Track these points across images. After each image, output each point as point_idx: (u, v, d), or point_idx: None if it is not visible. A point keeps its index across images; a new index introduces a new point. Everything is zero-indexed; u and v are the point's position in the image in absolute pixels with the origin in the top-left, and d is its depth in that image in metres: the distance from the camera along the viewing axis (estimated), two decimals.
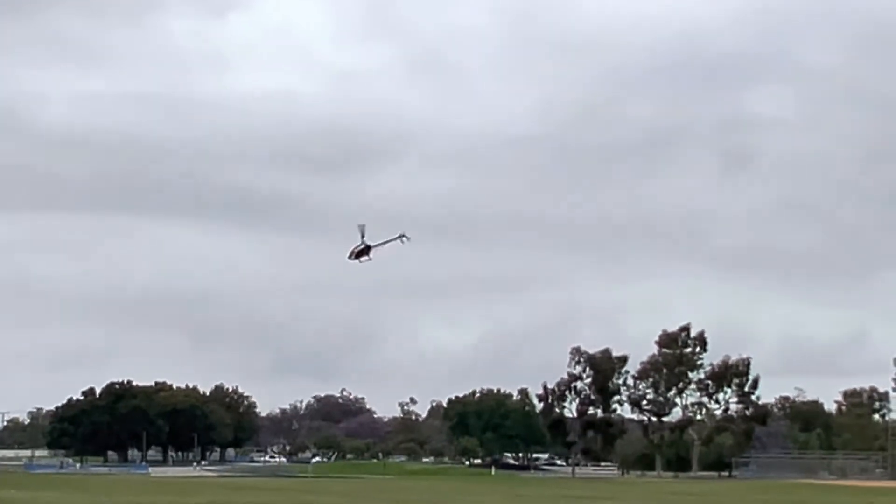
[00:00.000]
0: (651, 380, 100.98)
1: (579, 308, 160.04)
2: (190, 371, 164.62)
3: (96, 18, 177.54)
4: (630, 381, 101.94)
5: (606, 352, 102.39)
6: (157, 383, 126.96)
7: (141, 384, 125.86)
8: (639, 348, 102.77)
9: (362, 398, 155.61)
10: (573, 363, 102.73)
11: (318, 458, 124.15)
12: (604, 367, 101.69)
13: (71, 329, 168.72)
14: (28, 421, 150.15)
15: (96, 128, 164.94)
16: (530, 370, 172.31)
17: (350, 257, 52.17)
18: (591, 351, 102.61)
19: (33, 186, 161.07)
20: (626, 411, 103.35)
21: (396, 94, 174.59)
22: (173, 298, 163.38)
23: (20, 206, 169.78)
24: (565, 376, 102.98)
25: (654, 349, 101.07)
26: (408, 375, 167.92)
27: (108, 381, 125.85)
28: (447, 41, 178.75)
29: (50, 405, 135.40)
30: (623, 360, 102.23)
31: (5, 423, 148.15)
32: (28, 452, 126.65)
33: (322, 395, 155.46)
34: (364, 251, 52.69)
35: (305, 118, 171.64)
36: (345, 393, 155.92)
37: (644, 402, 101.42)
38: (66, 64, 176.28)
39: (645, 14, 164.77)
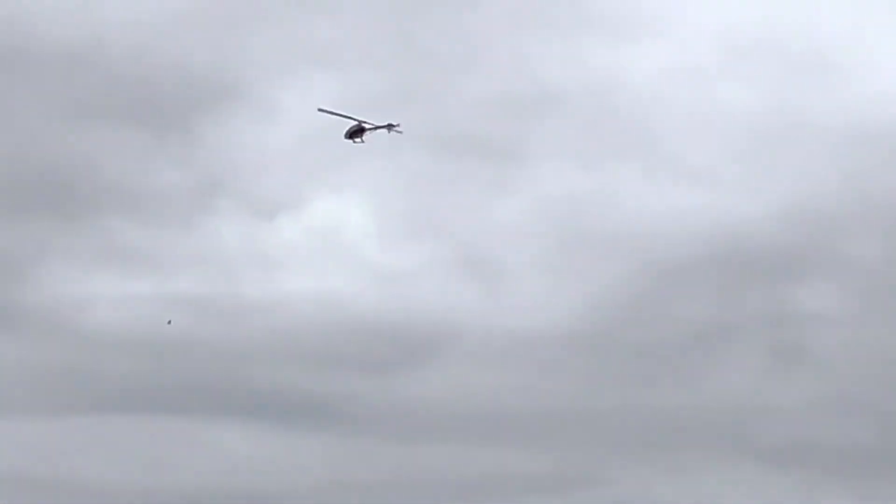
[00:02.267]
0: None
1: None
2: None
3: (146, 222, 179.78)
4: None
5: None
6: None
7: None
8: None
9: None
10: None
11: None
12: None
13: None
14: None
15: (143, 330, 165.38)
16: None
17: (346, 137, 55.14)
18: None
19: (78, 389, 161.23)
20: None
21: (441, 293, 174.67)
22: (222, 500, 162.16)
23: (64, 408, 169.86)
24: None
25: None
26: None
27: None
28: (490, 240, 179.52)
29: None
30: None
31: None
32: None
33: None
34: (358, 132, 55.73)
35: (352, 318, 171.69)
36: None
37: None
38: (113, 266, 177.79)
39: (686, 209, 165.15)
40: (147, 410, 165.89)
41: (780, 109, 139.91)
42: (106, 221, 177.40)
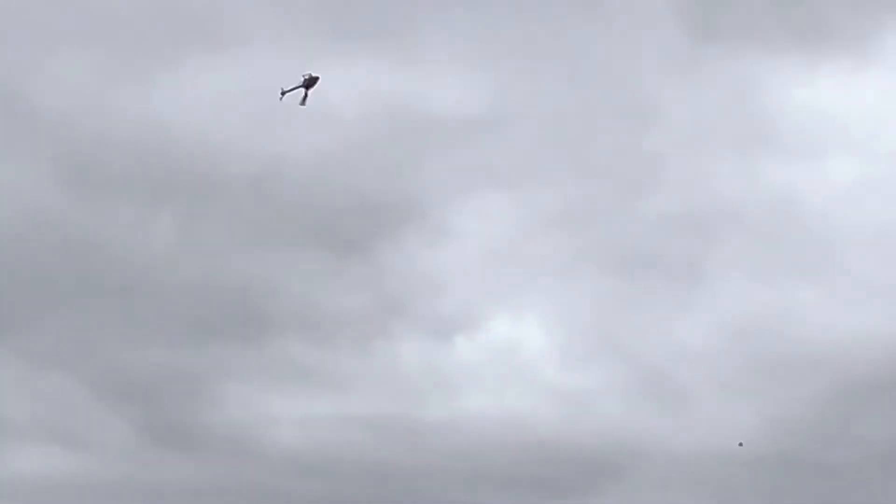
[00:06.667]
0: None
1: None
2: None
3: (326, 345, 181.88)
4: None
5: None
6: None
7: None
8: None
9: None
10: None
11: None
12: None
13: None
14: None
15: (325, 450, 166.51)
16: None
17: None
18: None
19: None
20: None
21: (622, 414, 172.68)
22: None
23: None
24: None
25: None
26: None
27: None
28: (670, 360, 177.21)
29: None
30: None
31: None
32: None
33: None
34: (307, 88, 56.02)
35: (532, 440, 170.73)
36: None
37: None
38: (296, 388, 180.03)
39: (873, 329, 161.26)
40: None
41: None
42: (286, 343, 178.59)
